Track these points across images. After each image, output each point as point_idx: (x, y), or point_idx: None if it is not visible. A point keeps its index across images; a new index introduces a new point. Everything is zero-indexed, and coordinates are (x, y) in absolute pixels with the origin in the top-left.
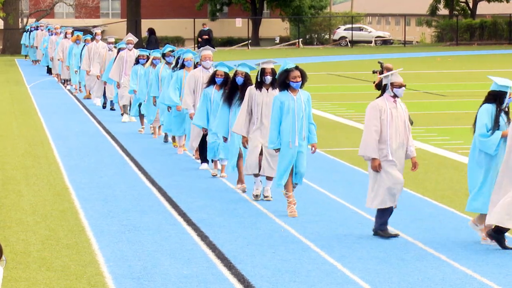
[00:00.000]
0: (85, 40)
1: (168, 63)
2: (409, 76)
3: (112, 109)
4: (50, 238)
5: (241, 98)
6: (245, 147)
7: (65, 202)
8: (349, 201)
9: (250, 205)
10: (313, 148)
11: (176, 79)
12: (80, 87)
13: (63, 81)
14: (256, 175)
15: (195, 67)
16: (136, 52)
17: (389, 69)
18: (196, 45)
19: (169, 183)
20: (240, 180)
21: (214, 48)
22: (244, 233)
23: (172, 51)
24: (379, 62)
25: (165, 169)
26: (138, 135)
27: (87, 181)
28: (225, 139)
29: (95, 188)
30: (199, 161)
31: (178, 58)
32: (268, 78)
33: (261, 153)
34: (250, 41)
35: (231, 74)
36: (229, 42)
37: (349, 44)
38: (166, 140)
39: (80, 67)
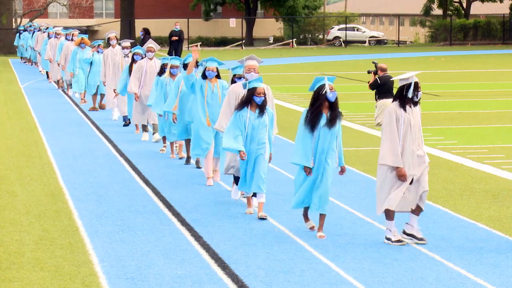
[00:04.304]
0: (98, 45)
1: None
2: None
3: (126, 124)
4: (44, 238)
5: (332, 120)
6: (405, 180)
7: (59, 202)
8: (342, 201)
9: (244, 206)
10: None
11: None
12: (84, 97)
13: (65, 88)
14: (391, 217)
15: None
16: (158, 62)
17: (383, 69)
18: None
19: (163, 183)
20: (305, 217)
21: (181, 51)
22: (238, 233)
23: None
24: (373, 62)
25: (159, 169)
26: (132, 135)
27: (81, 181)
28: (309, 171)
29: (89, 188)
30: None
31: (204, 68)
32: (420, 94)
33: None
34: (244, 41)
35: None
36: (223, 42)
37: (343, 44)
38: (198, 166)
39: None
